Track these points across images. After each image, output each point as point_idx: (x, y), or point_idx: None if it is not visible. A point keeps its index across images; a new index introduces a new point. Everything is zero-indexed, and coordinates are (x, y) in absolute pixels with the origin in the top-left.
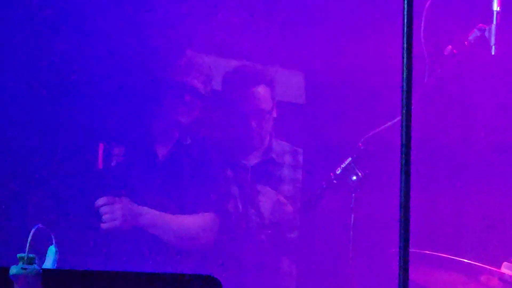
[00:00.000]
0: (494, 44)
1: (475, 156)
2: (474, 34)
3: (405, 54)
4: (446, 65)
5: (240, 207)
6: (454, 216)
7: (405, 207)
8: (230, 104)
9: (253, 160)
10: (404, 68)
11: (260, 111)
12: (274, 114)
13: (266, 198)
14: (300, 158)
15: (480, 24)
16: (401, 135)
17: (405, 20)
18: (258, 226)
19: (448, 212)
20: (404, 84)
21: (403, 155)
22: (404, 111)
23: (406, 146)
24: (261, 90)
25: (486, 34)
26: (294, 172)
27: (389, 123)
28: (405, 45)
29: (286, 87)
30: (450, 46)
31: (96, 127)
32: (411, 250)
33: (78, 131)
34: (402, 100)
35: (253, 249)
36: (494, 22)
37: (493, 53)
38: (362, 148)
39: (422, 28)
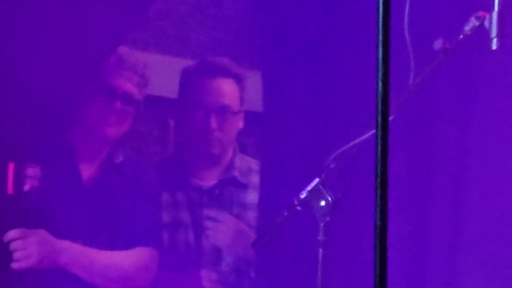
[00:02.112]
0: (496, 37)
1: (473, 178)
2: (471, 24)
3: (380, 48)
4: (436, 63)
5: (192, 238)
6: (447, 249)
7: (381, 238)
8: (184, 101)
9: (210, 180)
10: (380, 67)
11: (223, 109)
12: (241, 123)
13: (225, 228)
14: None
15: (479, 12)
16: (376, 150)
17: (381, 6)
18: (214, 262)
19: (440, 244)
20: (380, 88)
21: (379, 176)
22: (379, 121)
23: (382, 164)
24: (228, 85)
25: (486, 24)
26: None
27: (365, 136)
28: (380, 36)
29: None
30: (441, 39)
31: (4, 143)
32: None
33: None
34: (377, 107)
35: None
36: (496, 8)
37: (494, 48)
38: (332, 166)
39: (406, 17)
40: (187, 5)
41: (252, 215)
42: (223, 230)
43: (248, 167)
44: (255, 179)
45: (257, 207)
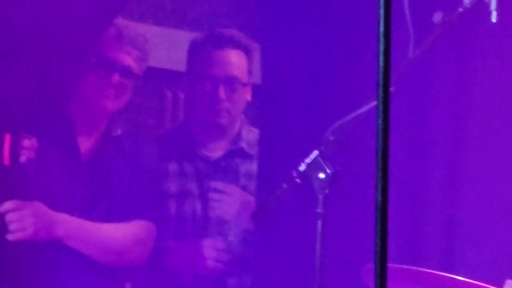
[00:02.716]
0: (495, 9)
1: (471, 151)
2: None
3: (382, 21)
4: (435, 35)
5: (199, 209)
6: (445, 223)
7: (382, 211)
8: (192, 72)
9: (217, 151)
10: (381, 40)
11: (231, 79)
12: (249, 96)
13: (231, 199)
14: None
15: None
16: (377, 122)
17: None
18: (221, 232)
19: (438, 218)
20: (381, 60)
21: (380, 148)
22: (381, 93)
23: (384, 137)
24: (236, 56)
25: None
26: None
27: (364, 108)
28: (382, 10)
29: None
30: (440, 12)
31: (1, 114)
32: (390, 265)
33: None
34: (378, 79)
35: (213, 261)
36: None
37: (493, 21)
38: (331, 139)
39: None
40: None
41: None
42: (229, 201)
43: (256, 138)
44: None
45: (257, 179)
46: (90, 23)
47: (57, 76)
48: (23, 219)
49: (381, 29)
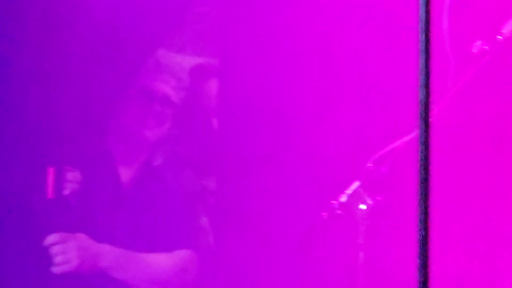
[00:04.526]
0: None
1: None
2: (509, 26)
3: (422, 52)
4: (475, 65)
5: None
6: (488, 254)
7: (424, 243)
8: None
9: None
10: (422, 70)
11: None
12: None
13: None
14: None
15: None
16: (419, 153)
17: (423, 7)
18: None
19: (483, 249)
20: (422, 91)
21: (422, 179)
22: (422, 124)
23: (425, 168)
24: (214, 84)
25: None
26: None
27: (405, 138)
28: (422, 40)
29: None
30: (479, 42)
31: (44, 148)
32: None
33: (20, 152)
34: (419, 110)
35: None
36: None
37: None
38: (372, 169)
39: (445, 19)
40: (224, 9)
41: None
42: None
43: None
44: None
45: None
46: (130, 55)
47: (97, 108)
48: (68, 252)
49: (422, 60)
